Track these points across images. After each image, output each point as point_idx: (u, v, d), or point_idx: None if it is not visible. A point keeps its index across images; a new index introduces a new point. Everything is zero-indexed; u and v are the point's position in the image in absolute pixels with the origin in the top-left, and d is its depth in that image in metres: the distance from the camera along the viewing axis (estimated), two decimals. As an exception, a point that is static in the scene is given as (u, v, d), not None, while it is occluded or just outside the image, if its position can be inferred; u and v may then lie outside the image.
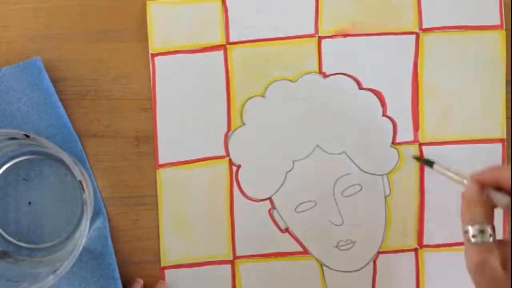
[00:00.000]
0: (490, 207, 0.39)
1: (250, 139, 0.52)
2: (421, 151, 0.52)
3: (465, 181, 0.43)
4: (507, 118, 0.52)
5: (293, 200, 0.52)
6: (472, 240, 0.39)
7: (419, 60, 0.51)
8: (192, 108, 0.51)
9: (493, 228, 0.39)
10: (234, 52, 0.51)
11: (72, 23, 0.51)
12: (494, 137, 0.52)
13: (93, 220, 0.50)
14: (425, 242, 0.52)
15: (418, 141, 0.52)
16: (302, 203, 0.52)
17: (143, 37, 0.51)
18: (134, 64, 0.51)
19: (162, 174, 0.51)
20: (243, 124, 0.52)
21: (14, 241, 0.50)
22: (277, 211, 0.52)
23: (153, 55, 0.51)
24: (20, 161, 0.50)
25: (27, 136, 0.44)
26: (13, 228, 0.50)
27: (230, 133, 0.52)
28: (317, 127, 0.52)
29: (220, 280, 0.52)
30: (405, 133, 0.52)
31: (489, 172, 0.40)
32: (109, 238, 0.50)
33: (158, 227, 0.51)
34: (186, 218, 0.51)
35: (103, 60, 0.51)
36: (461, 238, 0.51)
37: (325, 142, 0.52)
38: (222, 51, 0.51)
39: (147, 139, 0.51)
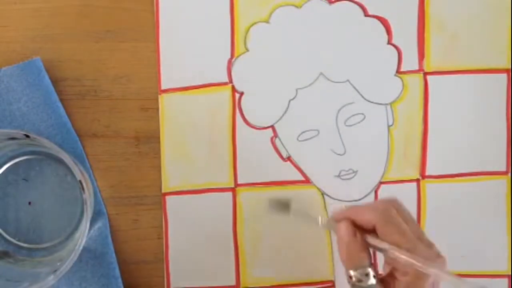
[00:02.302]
0: (367, 248, 0.39)
1: (253, 66, 0.51)
2: (425, 80, 0.51)
3: (320, 218, 0.42)
4: (512, 49, 0.52)
5: (296, 128, 0.51)
6: (358, 284, 0.38)
7: (426, -12, 0.51)
8: (195, 33, 0.51)
9: (374, 267, 0.39)
10: (239, -24, 0.50)
11: (72, 23, 0.50)
12: (499, 67, 0.51)
13: (93, 220, 0.50)
14: (427, 173, 0.52)
15: (423, 70, 0.51)
16: (304, 131, 0.51)
17: (143, 37, 0.51)
18: (134, 64, 0.51)
19: (165, 100, 0.51)
20: (247, 50, 0.51)
21: (14, 241, 0.50)
22: (279, 139, 0.51)
23: (157, -23, 0.50)
24: (20, 161, 0.50)
25: (27, 136, 0.44)
26: (13, 228, 0.50)
27: (233, 59, 0.51)
28: (322, 54, 0.51)
29: (220, 207, 0.51)
30: (410, 62, 0.51)
31: (348, 212, 0.40)
32: (109, 238, 0.50)
33: (158, 227, 0.51)
34: (187, 144, 0.51)
35: (103, 60, 0.51)
36: (463, 169, 0.52)
37: (329, 70, 0.51)
38: (227, -26, 0.50)
39: (147, 139, 0.51)
